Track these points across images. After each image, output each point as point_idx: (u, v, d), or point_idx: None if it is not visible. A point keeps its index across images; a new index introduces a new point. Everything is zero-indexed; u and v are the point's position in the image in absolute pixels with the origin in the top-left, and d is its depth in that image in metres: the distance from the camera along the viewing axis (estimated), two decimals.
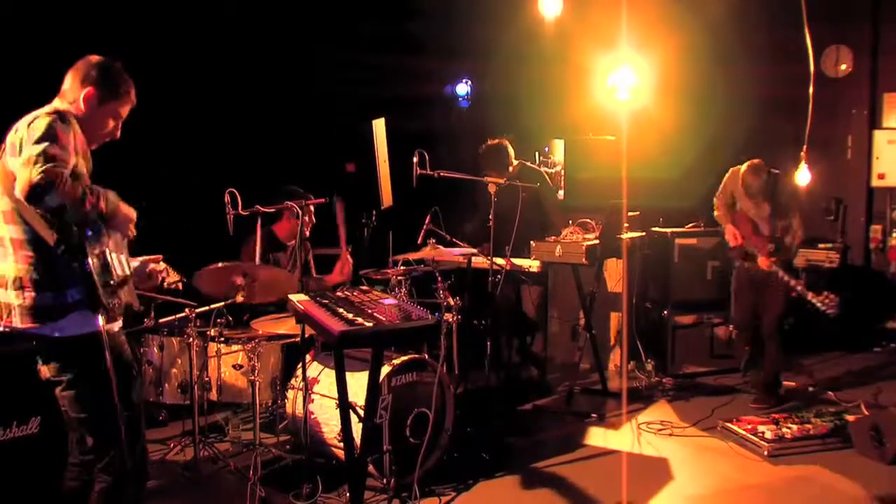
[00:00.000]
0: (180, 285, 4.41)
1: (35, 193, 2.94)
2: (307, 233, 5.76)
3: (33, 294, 3.18)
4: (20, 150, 3.07)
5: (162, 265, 3.86)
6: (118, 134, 3.54)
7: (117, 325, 3.37)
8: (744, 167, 6.29)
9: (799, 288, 5.97)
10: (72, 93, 3.38)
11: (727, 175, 6.57)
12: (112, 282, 3.24)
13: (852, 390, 6.56)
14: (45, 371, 3.31)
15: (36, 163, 2.96)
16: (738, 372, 6.81)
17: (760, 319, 6.38)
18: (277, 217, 5.94)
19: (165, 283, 4.04)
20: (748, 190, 6.27)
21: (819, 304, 5.89)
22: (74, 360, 3.25)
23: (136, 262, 3.63)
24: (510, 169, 6.61)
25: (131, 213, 3.41)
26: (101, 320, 3.18)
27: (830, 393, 6.51)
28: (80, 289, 3.18)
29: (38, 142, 3.03)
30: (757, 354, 6.46)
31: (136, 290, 3.59)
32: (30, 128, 3.11)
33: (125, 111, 3.52)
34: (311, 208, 5.62)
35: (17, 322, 3.21)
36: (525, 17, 7.25)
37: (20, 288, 3.19)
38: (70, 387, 3.28)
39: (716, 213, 6.67)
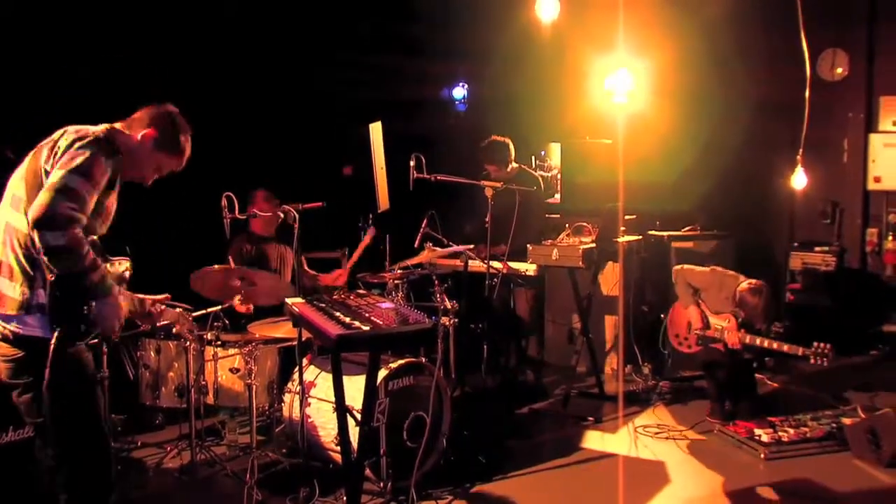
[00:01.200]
0: (191, 335, 4.43)
1: (42, 222, 2.92)
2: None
3: (7, 281, 3.18)
4: (54, 163, 3.08)
5: (178, 309, 3.85)
6: (149, 183, 3.56)
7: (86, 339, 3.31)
8: (743, 284, 5.92)
9: (786, 348, 5.69)
10: (138, 125, 3.43)
11: (707, 270, 6.24)
12: (80, 305, 3.16)
13: (849, 393, 6.56)
14: (1, 372, 3.28)
15: (60, 193, 2.95)
16: None
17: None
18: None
19: (175, 330, 4.02)
20: (749, 311, 5.88)
21: (812, 358, 5.57)
22: (31, 364, 3.20)
23: (137, 298, 3.61)
24: (509, 168, 6.63)
25: (123, 307, 3.32)
26: (54, 339, 3.11)
27: (827, 396, 6.51)
28: (46, 295, 3.15)
29: (73, 171, 3.02)
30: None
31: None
32: (73, 145, 3.11)
33: (167, 169, 3.55)
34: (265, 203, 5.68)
35: None
36: (522, 20, 7.27)
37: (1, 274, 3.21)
38: (26, 391, 3.25)
39: (678, 288, 6.34)
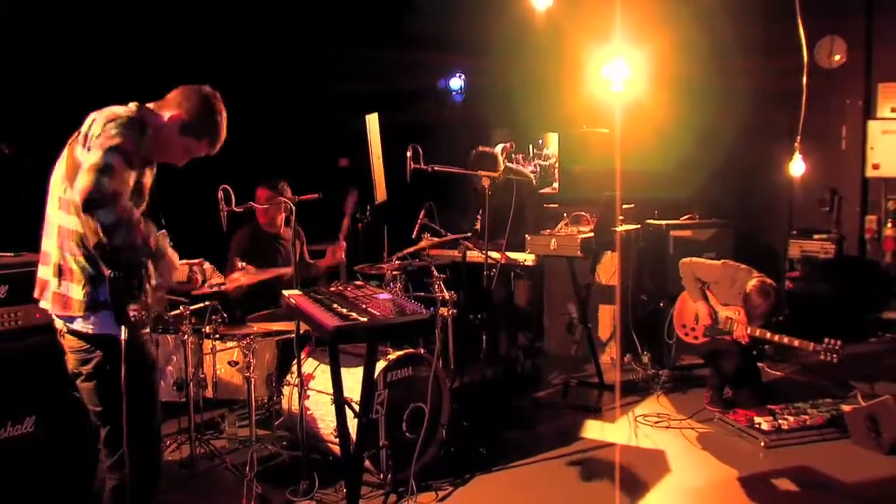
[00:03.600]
0: (223, 286, 4.46)
1: (91, 204, 2.92)
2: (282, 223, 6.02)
3: (69, 284, 3.22)
4: (90, 147, 3.06)
5: (207, 265, 3.91)
6: (181, 164, 3.54)
7: (146, 329, 3.41)
8: (753, 282, 5.83)
9: (796, 343, 5.65)
10: (168, 106, 3.39)
11: (718, 264, 6.17)
12: (138, 292, 3.24)
13: (849, 381, 6.55)
14: (69, 362, 3.37)
15: (98, 171, 2.93)
16: None
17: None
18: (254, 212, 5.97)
19: (208, 284, 4.08)
20: (753, 310, 5.79)
21: (822, 354, 5.54)
22: (95, 356, 3.29)
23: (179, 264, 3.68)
24: (498, 175, 6.63)
25: (175, 260, 3.40)
26: (123, 333, 3.17)
27: (827, 383, 6.51)
28: (107, 291, 3.20)
29: (109, 150, 3.00)
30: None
31: (174, 291, 3.64)
32: (105, 127, 3.08)
33: (199, 152, 3.52)
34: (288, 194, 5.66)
35: (48, 305, 3.30)
36: (518, 10, 7.24)
37: (58, 275, 3.24)
38: (88, 379, 3.33)
39: (685, 281, 6.24)
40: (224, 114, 3.51)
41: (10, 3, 5.57)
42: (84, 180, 2.93)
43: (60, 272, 3.23)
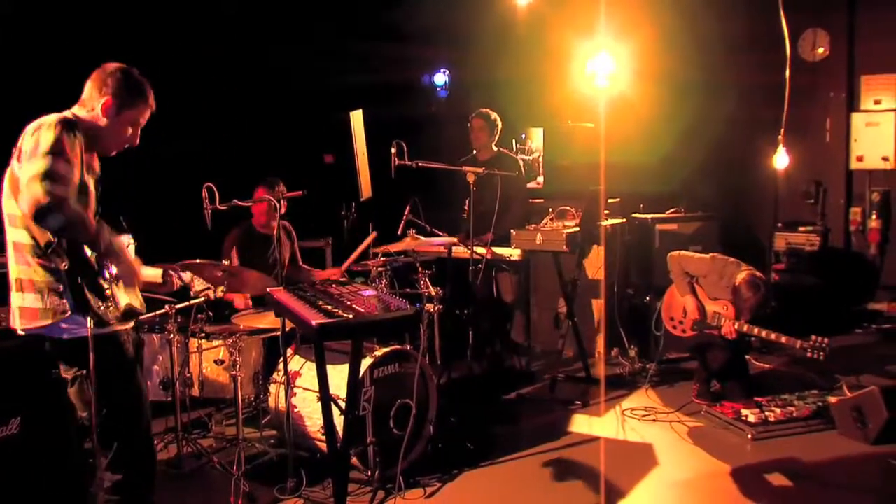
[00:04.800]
0: (210, 294, 4.47)
1: (40, 213, 2.97)
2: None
3: (32, 296, 3.24)
4: (27, 159, 3.09)
5: (188, 274, 3.92)
6: (137, 141, 3.53)
7: (122, 326, 3.40)
8: (742, 275, 5.77)
9: (783, 339, 5.62)
10: (90, 102, 3.39)
11: (706, 258, 6.09)
12: (104, 285, 3.26)
13: (834, 372, 6.57)
14: (61, 369, 3.42)
15: (42, 180, 2.98)
16: None
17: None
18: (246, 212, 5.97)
19: (192, 292, 4.11)
20: (743, 303, 5.73)
21: (809, 352, 5.53)
22: (74, 360, 3.32)
23: (153, 270, 3.77)
24: (493, 140, 6.66)
25: (138, 268, 3.43)
26: (89, 322, 3.20)
27: (813, 375, 6.53)
28: (70, 292, 3.21)
29: (45, 154, 3.04)
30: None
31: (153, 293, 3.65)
32: (37, 137, 3.11)
33: (144, 118, 3.50)
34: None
35: (16, 323, 3.31)
36: (502, 5, 7.25)
37: (20, 290, 3.26)
38: (72, 384, 3.37)
39: (673, 275, 6.22)
40: (138, 73, 3.48)
41: (10, 3, 5.55)
42: (28, 192, 2.99)
43: (22, 286, 3.26)
